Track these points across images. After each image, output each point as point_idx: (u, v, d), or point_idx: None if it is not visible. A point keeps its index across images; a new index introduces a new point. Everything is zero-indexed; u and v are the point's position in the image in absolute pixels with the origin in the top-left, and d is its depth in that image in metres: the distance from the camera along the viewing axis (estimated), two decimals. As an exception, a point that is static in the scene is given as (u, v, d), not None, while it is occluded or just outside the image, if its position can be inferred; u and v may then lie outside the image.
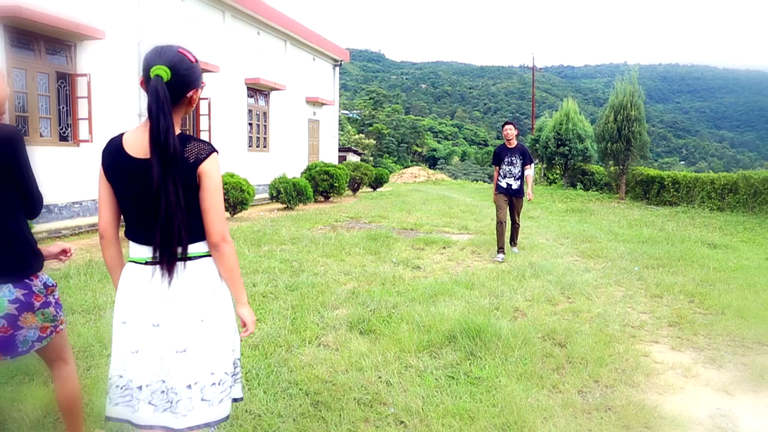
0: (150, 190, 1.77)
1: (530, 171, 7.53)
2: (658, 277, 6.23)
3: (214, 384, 1.89)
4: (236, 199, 10.37)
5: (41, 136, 9.31)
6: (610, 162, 18.54)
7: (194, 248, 1.89)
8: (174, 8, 12.48)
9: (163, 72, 1.77)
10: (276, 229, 9.14)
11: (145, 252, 1.86)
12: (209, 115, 13.60)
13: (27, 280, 2.06)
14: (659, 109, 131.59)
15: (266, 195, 15.11)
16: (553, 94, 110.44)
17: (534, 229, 10.24)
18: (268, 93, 17.24)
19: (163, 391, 1.86)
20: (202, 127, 13.65)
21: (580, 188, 22.59)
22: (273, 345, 3.80)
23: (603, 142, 18.08)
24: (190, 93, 1.88)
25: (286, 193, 12.66)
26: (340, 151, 26.83)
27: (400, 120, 64.16)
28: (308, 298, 4.98)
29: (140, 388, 1.86)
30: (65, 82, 9.71)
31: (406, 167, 45.49)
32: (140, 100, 11.47)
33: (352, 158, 29.05)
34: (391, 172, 33.79)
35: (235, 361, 2.02)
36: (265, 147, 17.22)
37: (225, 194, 9.99)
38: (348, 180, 16.05)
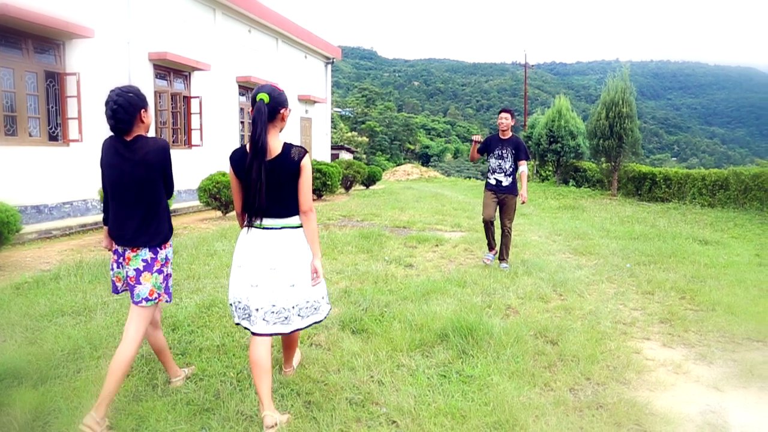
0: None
1: (524, 168, 6.56)
2: (650, 274, 6.27)
3: (307, 307, 2.86)
4: (228, 198, 10.34)
5: (30, 136, 9.22)
6: (602, 159, 18.60)
7: (296, 220, 2.82)
8: (164, 6, 12.38)
9: (264, 96, 2.73)
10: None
11: (260, 221, 2.78)
12: (200, 113, 13.51)
13: (158, 248, 2.83)
14: (651, 106, 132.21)
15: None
16: (546, 91, 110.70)
17: (526, 226, 10.27)
18: (260, 91, 17.14)
19: (273, 312, 2.76)
20: (193, 126, 13.54)
21: (573, 185, 22.67)
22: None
23: (595, 139, 18.14)
24: (282, 110, 2.82)
25: (279, 192, 12.59)
26: (332, 149, 26.75)
27: (392, 117, 64.21)
28: (300, 297, 4.95)
29: (257, 309, 2.75)
30: (54, 81, 9.61)
31: (398, 165, 45.52)
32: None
33: (345, 156, 28.95)
34: (383, 170, 33.78)
35: (324, 295, 2.98)
36: (257, 145, 17.12)
37: (217, 192, 10.41)
38: (341, 178, 16.01)
